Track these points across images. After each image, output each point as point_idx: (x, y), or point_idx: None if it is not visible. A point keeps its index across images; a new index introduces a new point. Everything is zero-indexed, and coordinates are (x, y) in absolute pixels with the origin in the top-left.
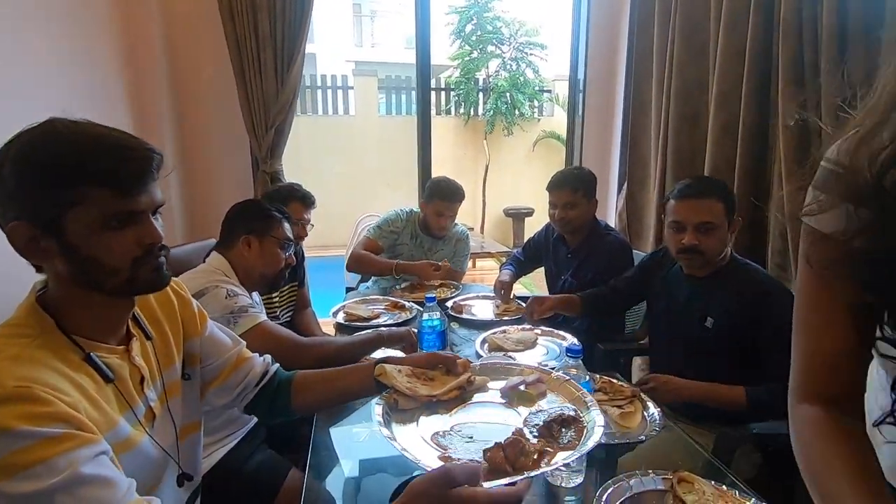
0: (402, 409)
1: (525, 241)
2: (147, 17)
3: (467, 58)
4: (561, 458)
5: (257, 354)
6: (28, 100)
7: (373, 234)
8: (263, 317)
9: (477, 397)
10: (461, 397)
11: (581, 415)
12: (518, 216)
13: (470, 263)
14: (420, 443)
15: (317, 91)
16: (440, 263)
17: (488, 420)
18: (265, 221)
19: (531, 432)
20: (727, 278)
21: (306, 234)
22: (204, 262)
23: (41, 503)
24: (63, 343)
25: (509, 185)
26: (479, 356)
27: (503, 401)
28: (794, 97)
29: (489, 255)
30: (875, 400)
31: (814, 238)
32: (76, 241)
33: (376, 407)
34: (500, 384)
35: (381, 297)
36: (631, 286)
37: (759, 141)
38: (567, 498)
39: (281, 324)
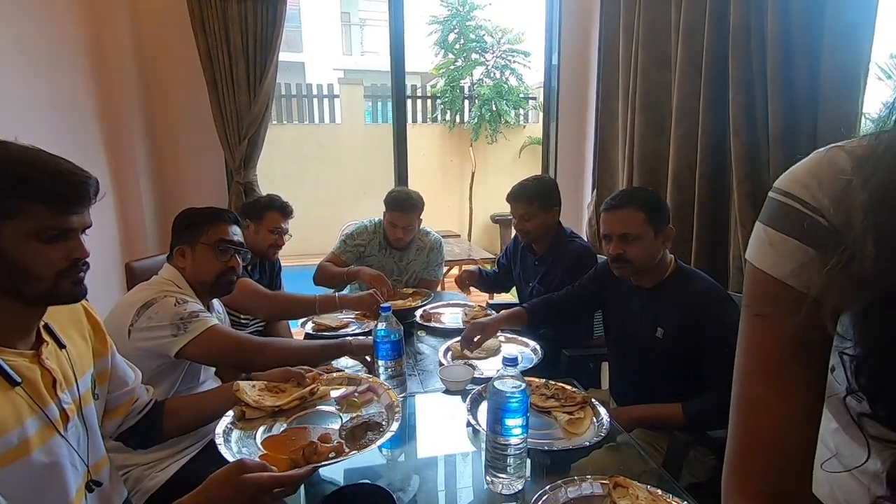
0: (250, 418)
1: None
2: (117, 29)
3: (452, 66)
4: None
5: (141, 385)
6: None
7: (337, 250)
8: (214, 321)
9: (319, 405)
10: (302, 406)
11: (384, 422)
12: (505, 222)
13: (456, 270)
14: (251, 445)
15: (303, 100)
16: (382, 292)
17: (314, 424)
18: (191, 229)
19: (341, 433)
20: (673, 289)
21: (283, 243)
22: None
23: None
24: None
25: (496, 192)
26: (440, 364)
27: (336, 406)
28: (743, 105)
29: (474, 261)
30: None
31: (763, 283)
32: (6, 247)
33: (224, 418)
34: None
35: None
36: (582, 294)
37: (717, 147)
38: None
39: (251, 332)
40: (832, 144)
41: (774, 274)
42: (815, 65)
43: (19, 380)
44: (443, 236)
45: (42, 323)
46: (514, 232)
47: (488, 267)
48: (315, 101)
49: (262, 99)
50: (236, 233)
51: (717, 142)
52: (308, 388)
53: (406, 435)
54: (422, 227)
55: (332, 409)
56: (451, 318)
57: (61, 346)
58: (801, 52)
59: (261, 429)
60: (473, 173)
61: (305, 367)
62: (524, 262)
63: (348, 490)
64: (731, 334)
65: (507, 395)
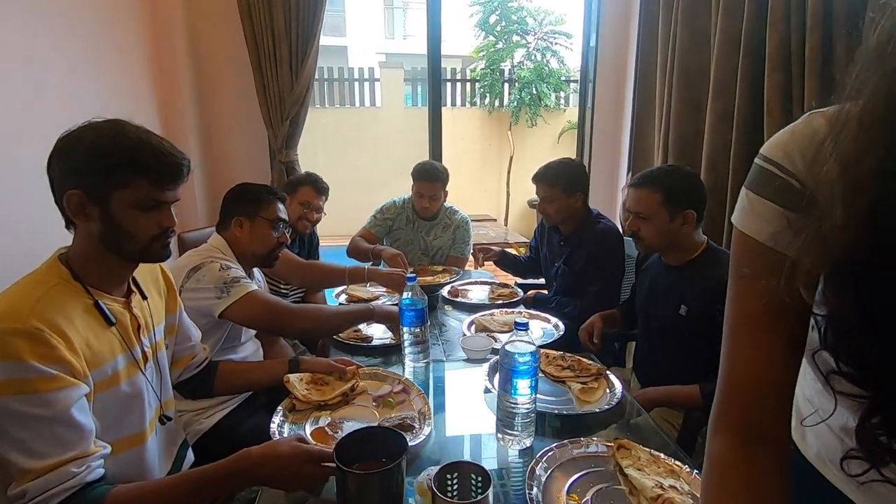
0: (299, 410)
1: None
2: (172, 16)
3: (492, 49)
4: None
5: (200, 344)
6: (70, 93)
7: (368, 224)
8: (254, 286)
9: (358, 400)
10: (345, 401)
11: (417, 424)
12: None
13: None
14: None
15: (345, 84)
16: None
17: (354, 418)
18: (253, 203)
19: None
20: (700, 269)
21: (315, 219)
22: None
23: (29, 425)
24: (77, 290)
25: None
26: (463, 335)
27: (374, 404)
28: (778, 85)
29: (509, 245)
30: (804, 399)
31: (744, 245)
32: (115, 212)
33: (276, 413)
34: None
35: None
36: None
37: (752, 129)
38: (514, 458)
39: (290, 301)
40: (815, 110)
41: (756, 237)
42: (855, 44)
43: (114, 321)
44: (479, 220)
45: (131, 277)
46: None
47: (522, 251)
48: (356, 84)
49: (304, 81)
50: (284, 212)
51: (754, 120)
52: (349, 385)
53: (429, 396)
54: (449, 205)
55: (368, 406)
56: (477, 294)
57: (144, 297)
58: (840, 29)
59: (308, 421)
60: (511, 157)
61: (345, 360)
62: (550, 243)
63: (362, 433)
64: None
65: (517, 357)
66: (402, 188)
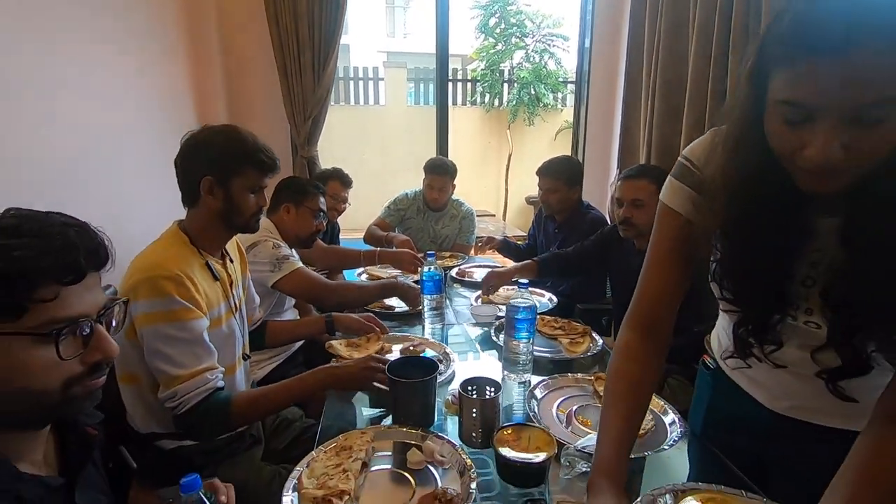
0: None
1: None
2: (207, 23)
3: (492, 50)
4: None
5: (258, 306)
6: (124, 97)
7: (383, 214)
8: (301, 264)
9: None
10: None
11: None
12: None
13: None
14: None
15: (349, 82)
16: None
17: None
18: (301, 193)
19: None
20: None
21: (342, 209)
22: None
23: (175, 344)
24: (194, 252)
25: (532, 174)
26: (471, 305)
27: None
28: None
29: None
30: (720, 338)
31: (665, 212)
32: (234, 193)
33: None
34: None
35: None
36: (587, 251)
37: None
38: (517, 388)
39: None
40: (717, 127)
41: (673, 207)
42: None
43: (218, 277)
44: (479, 215)
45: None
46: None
47: (520, 242)
48: (361, 83)
49: (325, 83)
50: (324, 204)
51: None
52: (379, 345)
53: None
54: (456, 198)
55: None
56: (480, 274)
57: (231, 261)
58: None
59: None
60: (510, 155)
61: (371, 317)
62: (546, 231)
63: (405, 359)
64: None
65: (519, 307)
66: (408, 183)
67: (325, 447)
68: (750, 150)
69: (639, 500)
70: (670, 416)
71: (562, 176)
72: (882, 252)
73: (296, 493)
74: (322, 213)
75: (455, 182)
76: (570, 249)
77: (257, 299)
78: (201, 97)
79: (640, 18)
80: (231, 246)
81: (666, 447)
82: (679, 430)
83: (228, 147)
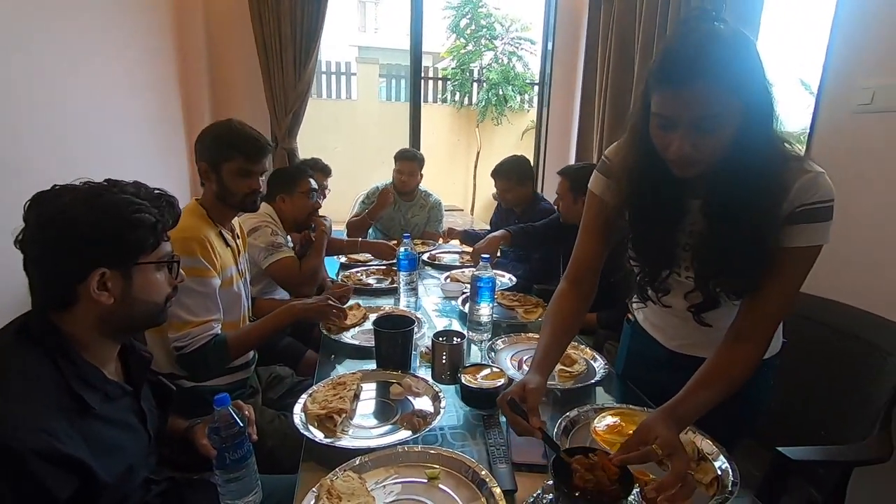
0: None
1: None
2: (194, 22)
3: (463, 50)
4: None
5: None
6: (118, 86)
7: (359, 209)
8: (291, 253)
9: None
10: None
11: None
12: None
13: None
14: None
15: (321, 76)
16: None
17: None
18: (291, 182)
19: None
20: None
21: (326, 196)
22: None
23: (193, 296)
24: (210, 223)
25: None
26: (441, 283)
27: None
28: None
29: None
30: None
31: (590, 196)
32: (225, 178)
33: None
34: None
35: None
36: (547, 229)
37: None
38: (480, 346)
39: None
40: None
41: (593, 190)
42: None
43: (229, 244)
44: (447, 210)
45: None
46: None
47: (480, 231)
48: (333, 77)
49: (306, 80)
50: (314, 183)
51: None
52: (362, 313)
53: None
54: (424, 188)
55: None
56: (449, 259)
57: (237, 237)
58: None
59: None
60: (479, 153)
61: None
62: (507, 221)
63: (386, 315)
64: None
65: (481, 276)
66: (380, 177)
67: (323, 383)
68: (640, 146)
69: (569, 414)
70: (598, 362)
71: (512, 175)
72: (726, 224)
73: (304, 413)
74: (315, 192)
75: (422, 171)
76: (537, 223)
77: (254, 274)
78: (187, 91)
79: (595, 30)
80: (236, 223)
81: (592, 381)
82: (603, 371)
83: (218, 136)
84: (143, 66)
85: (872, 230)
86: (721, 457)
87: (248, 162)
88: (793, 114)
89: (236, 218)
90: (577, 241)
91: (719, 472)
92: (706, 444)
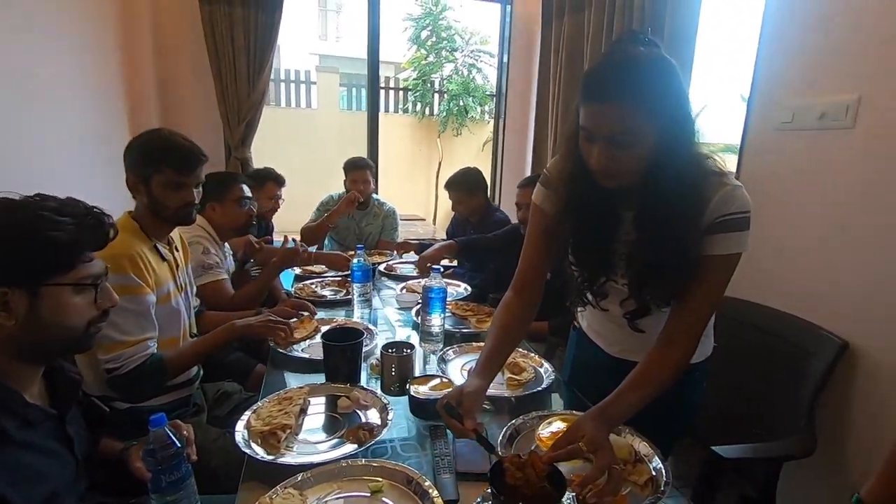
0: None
1: None
2: (140, 29)
3: (424, 61)
4: None
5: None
6: (55, 94)
7: (314, 217)
8: (224, 276)
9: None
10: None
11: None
12: None
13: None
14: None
15: (280, 84)
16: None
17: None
18: (221, 188)
19: None
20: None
21: (279, 207)
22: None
23: (125, 315)
24: (143, 237)
25: None
26: (396, 294)
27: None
28: None
29: (435, 240)
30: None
31: (533, 208)
32: (155, 190)
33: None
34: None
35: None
36: (497, 241)
37: None
38: (432, 356)
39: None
40: None
41: (536, 202)
42: None
43: (165, 258)
44: (409, 219)
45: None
46: None
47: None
48: (292, 85)
49: (260, 89)
50: (247, 189)
51: None
52: (314, 326)
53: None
54: (377, 197)
55: None
56: (405, 269)
57: (176, 249)
58: None
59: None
60: (440, 163)
61: (302, 304)
62: (464, 231)
63: (338, 328)
64: None
65: (433, 287)
66: (340, 187)
67: (268, 399)
68: (573, 157)
69: (514, 422)
70: (545, 367)
71: (462, 187)
72: (654, 234)
73: (246, 430)
74: (247, 200)
75: (374, 178)
76: (488, 234)
77: (194, 288)
78: (134, 99)
79: (547, 45)
80: (175, 235)
81: (539, 389)
82: (551, 378)
83: (146, 147)
84: (84, 71)
85: (796, 240)
86: (656, 458)
87: (179, 174)
88: (733, 127)
89: (176, 230)
90: (522, 251)
91: (654, 473)
92: (643, 447)
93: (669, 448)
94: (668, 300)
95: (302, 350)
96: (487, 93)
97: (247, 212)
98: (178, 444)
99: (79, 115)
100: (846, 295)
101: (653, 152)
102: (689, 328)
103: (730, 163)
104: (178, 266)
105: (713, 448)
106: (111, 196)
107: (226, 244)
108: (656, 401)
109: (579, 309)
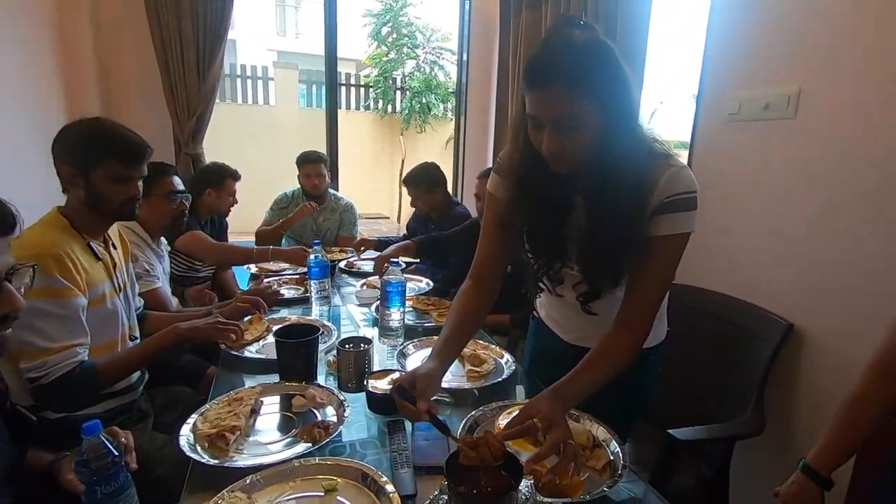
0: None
1: None
2: (79, 17)
3: (385, 58)
4: None
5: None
6: None
7: (268, 216)
8: (157, 284)
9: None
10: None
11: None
12: None
13: None
14: None
15: (236, 80)
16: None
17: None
18: (148, 184)
19: None
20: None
21: (237, 202)
22: None
23: (50, 319)
24: (75, 235)
25: None
26: (357, 290)
27: None
28: None
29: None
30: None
31: (488, 196)
32: (96, 183)
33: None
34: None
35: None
36: (456, 237)
37: None
38: (391, 350)
39: (203, 277)
40: None
41: (490, 190)
42: None
43: (101, 258)
44: (373, 217)
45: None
46: None
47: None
48: (249, 81)
49: (211, 81)
50: (178, 182)
51: None
52: (265, 326)
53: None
54: (333, 192)
55: None
56: (367, 266)
57: (114, 247)
58: None
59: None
60: (403, 161)
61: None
62: (426, 228)
63: (292, 325)
64: None
65: (391, 281)
66: (297, 184)
67: (217, 401)
68: (522, 145)
69: (473, 413)
70: (505, 359)
71: (420, 183)
72: (604, 217)
73: (192, 434)
74: (178, 194)
75: (328, 172)
76: (446, 232)
77: (137, 287)
78: (72, 90)
79: (506, 41)
80: (113, 232)
81: (500, 379)
82: (512, 368)
83: (88, 137)
84: (14, 70)
85: (744, 227)
86: (613, 442)
87: (127, 166)
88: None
89: (115, 226)
90: (479, 240)
91: (611, 458)
92: (601, 432)
93: (627, 433)
94: (618, 282)
95: (256, 350)
96: (450, 90)
97: (177, 207)
98: (115, 453)
99: (10, 105)
100: (791, 279)
101: (599, 136)
102: (642, 310)
103: (682, 157)
104: (115, 265)
105: (669, 431)
106: (53, 186)
107: (162, 240)
108: (613, 386)
109: (538, 298)
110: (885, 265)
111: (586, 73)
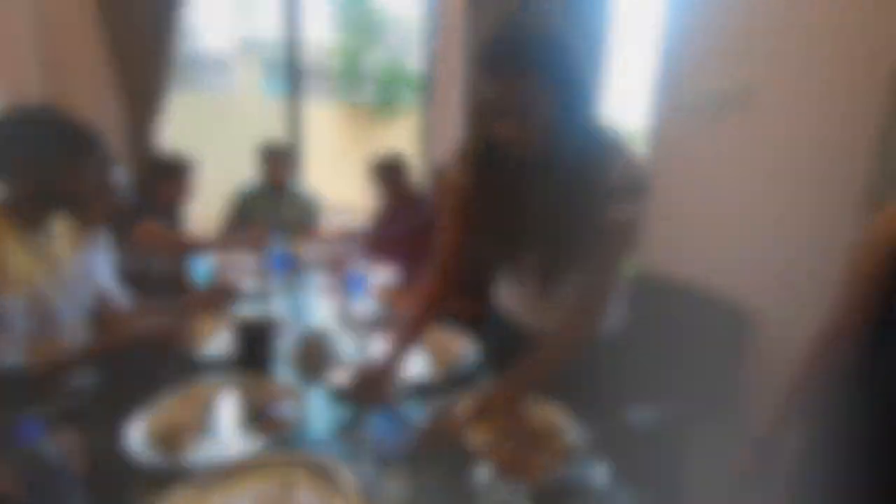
0: None
1: None
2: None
3: (352, 46)
4: None
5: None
6: None
7: (225, 213)
8: None
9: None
10: None
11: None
12: None
13: None
14: None
15: (195, 67)
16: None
17: None
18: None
19: None
20: None
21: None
22: None
23: None
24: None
25: None
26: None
27: None
28: None
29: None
30: None
31: (448, 183)
32: (45, 172)
33: None
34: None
35: None
36: (420, 229)
37: None
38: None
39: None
40: None
41: (450, 179)
42: None
43: (40, 252)
44: (341, 211)
45: None
46: None
47: None
48: (208, 69)
49: (165, 64)
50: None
51: None
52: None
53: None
54: (296, 183)
55: None
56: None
57: (56, 237)
58: None
59: None
60: (373, 152)
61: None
62: (392, 218)
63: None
64: None
65: (357, 272)
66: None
67: (169, 398)
68: (480, 132)
69: (439, 400)
70: (469, 350)
71: (385, 174)
72: (559, 203)
73: (141, 434)
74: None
75: (290, 162)
76: (411, 223)
77: (91, 282)
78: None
79: (472, 29)
80: (61, 224)
81: (464, 371)
82: (475, 359)
83: (34, 124)
84: None
85: (701, 216)
86: (571, 429)
87: (78, 154)
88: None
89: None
90: (440, 230)
91: (569, 444)
92: (559, 419)
93: (585, 419)
94: (573, 266)
95: (212, 347)
96: (420, 80)
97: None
98: (56, 460)
99: None
100: (747, 267)
101: (554, 121)
102: (596, 295)
103: (636, 145)
104: (58, 259)
105: (627, 416)
106: None
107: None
108: (571, 371)
109: (497, 285)
110: (834, 253)
111: (539, 60)
